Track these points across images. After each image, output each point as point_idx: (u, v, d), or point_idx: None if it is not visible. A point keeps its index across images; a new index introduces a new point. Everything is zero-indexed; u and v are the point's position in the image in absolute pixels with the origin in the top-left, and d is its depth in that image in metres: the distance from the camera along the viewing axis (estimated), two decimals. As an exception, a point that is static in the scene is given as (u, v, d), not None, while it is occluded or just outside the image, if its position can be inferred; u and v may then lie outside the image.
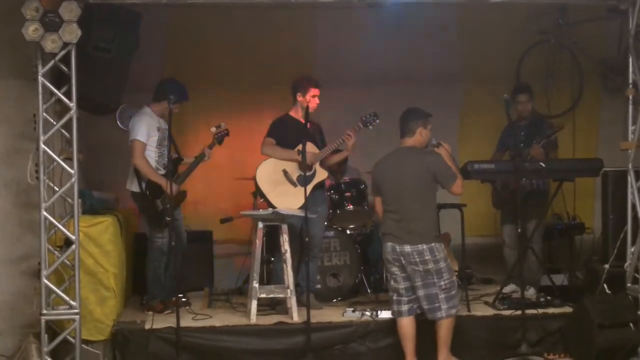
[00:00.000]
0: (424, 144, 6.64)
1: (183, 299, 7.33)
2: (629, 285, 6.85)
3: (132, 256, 7.80)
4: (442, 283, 6.44)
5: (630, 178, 6.86)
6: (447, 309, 6.44)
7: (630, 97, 6.86)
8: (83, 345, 6.29)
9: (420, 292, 6.46)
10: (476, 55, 9.20)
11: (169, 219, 7.05)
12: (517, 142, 7.69)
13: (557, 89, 9.32)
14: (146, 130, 7.22)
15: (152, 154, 7.28)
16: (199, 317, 7.10)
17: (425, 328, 6.53)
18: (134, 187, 7.30)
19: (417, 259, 6.40)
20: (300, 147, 7.04)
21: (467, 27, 9.01)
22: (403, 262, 6.46)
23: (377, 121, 7.47)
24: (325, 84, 7.53)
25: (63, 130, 6.39)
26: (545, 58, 9.30)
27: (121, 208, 7.78)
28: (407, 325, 6.55)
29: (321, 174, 7.52)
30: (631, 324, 6.67)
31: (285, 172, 7.41)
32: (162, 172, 7.25)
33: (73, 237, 6.23)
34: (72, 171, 6.23)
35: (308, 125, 7.23)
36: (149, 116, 7.30)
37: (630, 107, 6.89)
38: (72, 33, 6.04)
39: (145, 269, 7.43)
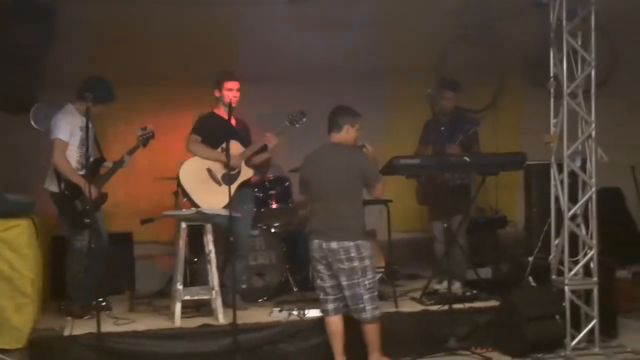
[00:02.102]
0: (350, 142, 6.58)
1: (103, 303, 7.11)
2: (553, 277, 6.93)
3: (50, 260, 7.53)
4: (367, 282, 6.39)
5: (553, 171, 6.93)
6: (372, 310, 6.40)
7: (552, 90, 6.93)
8: (-1, 355, 6.05)
9: (346, 292, 6.41)
10: (400, 50, 9.16)
11: (88, 220, 6.84)
12: (438, 138, 7.70)
13: (479, 83, 9.38)
14: (69, 129, 6.99)
15: (73, 154, 7.06)
16: (120, 321, 6.90)
17: (355, 325, 6.47)
18: (53, 186, 7.06)
19: (343, 256, 6.33)
20: (225, 145, 6.90)
21: (390, 22, 8.97)
22: (329, 259, 6.40)
23: (304, 119, 7.38)
24: (249, 80, 7.42)
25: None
26: (467, 52, 9.34)
27: (37, 211, 7.51)
28: (334, 324, 6.50)
29: (246, 173, 7.39)
30: (557, 316, 6.74)
31: (209, 171, 7.26)
32: (83, 172, 7.01)
33: (-13, 242, 5.99)
34: (-15, 173, 5.99)
35: (233, 122, 7.10)
36: (71, 114, 7.07)
37: (552, 100, 6.96)
38: (-21, 29, 5.80)
39: (64, 273, 7.18)
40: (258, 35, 8.77)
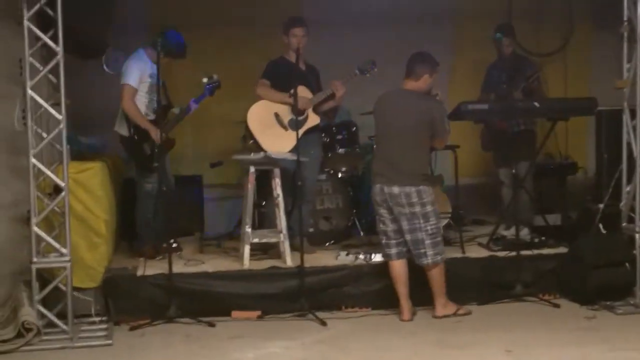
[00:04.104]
0: (424, 91, 6.53)
1: (174, 245, 7.22)
2: (624, 224, 6.84)
3: (121, 202, 7.69)
4: (429, 227, 6.39)
5: (626, 117, 6.80)
6: (433, 255, 6.41)
7: (625, 34, 6.77)
8: (74, 293, 6.19)
9: (407, 237, 6.42)
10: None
11: (156, 164, 6.96)
12: (499, 83, 7.60)
13: (548, 27, 9.21)
14: (138, 75, 7.08)
15: (142, 99, 7.15)
16: (191, 262, 7.04)
17: (421, 270, 6.49)
18: (122, 130, 7.19)
19: (404, 201, 6.34)
20: (293, 90, 6.91)
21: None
22: (390, 204, 6.41)
23: (375, 69, 7.33)
24: (316, 26, 7.40)
25: (50, 75, 6.25)
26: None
27: (110, 153, 7.66)
28: (398, 268, 6.52)
29: (313, 119, 7.40)
30: (627, 264, 6.67)
31: (276, 115, 7.30)
32: (152, 117, 7.13)
33: (62, 184, 6.12)
34: (60, 117, 6.09)
35: (303, 67, 7.10)
36: (142, 61, 7.15)
37: (625, 45, 6.80)
38: (56, -25, 5.86)
39: (134, 215, 7.34)
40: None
